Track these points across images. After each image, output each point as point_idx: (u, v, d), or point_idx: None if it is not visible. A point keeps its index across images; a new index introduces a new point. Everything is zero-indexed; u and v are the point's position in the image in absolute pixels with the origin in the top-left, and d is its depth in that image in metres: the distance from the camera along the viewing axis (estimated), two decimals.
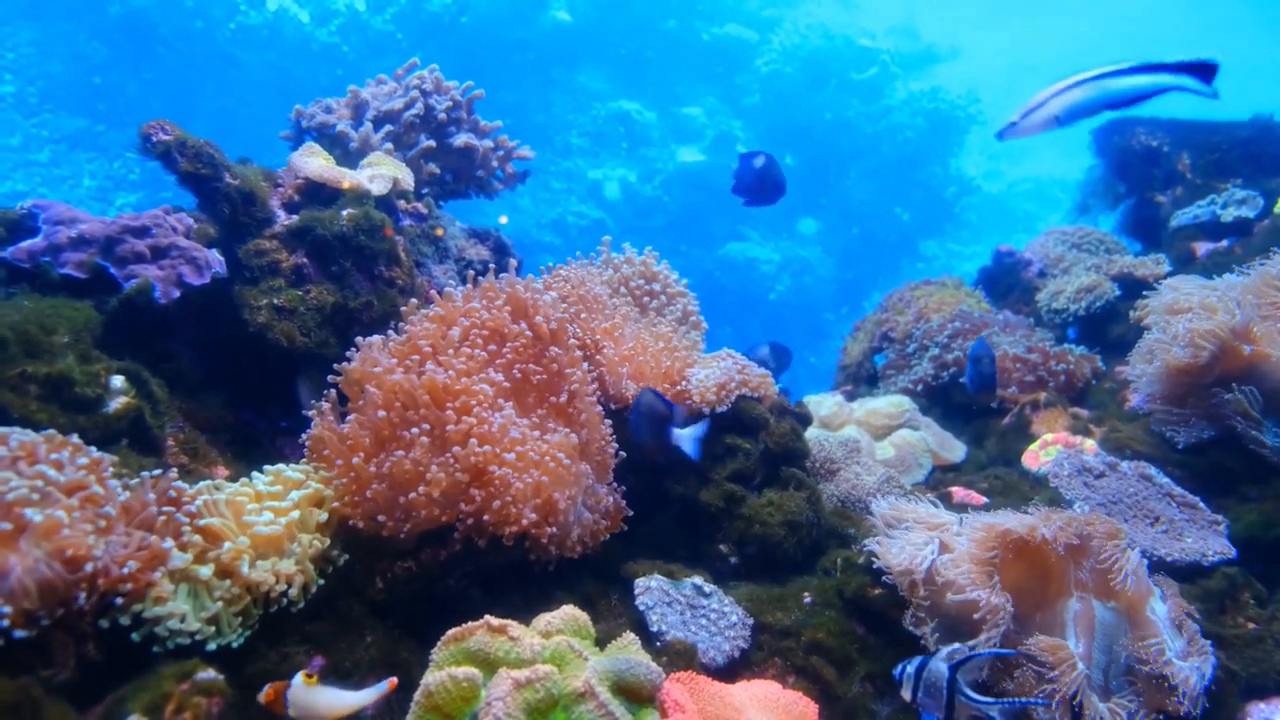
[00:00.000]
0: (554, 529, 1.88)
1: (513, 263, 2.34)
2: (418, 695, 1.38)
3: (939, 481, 2.96)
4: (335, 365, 2.07)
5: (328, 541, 1.82)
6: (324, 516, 1.84)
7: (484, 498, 1.80)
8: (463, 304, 2.16)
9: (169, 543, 1.56)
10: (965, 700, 1.52)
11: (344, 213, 2.49)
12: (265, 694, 1.47)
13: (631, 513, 2.19)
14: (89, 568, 1.40)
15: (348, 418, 1.99)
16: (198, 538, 1.63)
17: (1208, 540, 2.30)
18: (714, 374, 2.39)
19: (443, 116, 3.15)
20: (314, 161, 2.64)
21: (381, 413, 1.90)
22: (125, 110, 12.27)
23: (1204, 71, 1.31)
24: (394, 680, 1.48)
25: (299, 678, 1.48)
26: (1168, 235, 4.03)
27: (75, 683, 1.43)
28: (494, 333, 2.12)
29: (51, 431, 1.60)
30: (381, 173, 2.77)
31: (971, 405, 3.40)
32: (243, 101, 12.69)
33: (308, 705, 1.46)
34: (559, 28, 13.96)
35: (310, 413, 2.04)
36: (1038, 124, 1.47)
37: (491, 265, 3.04)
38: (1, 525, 1.35)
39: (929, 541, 1.89)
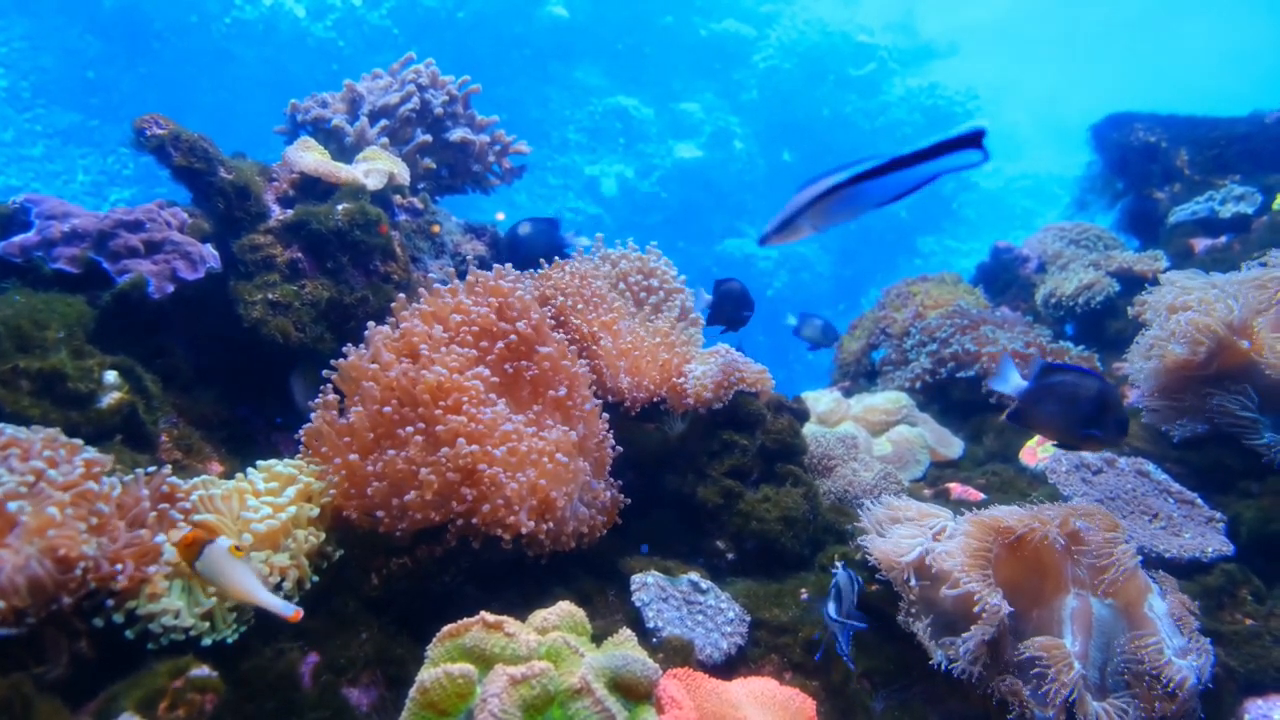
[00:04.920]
0: (550, 525, 1.87)
1: (501, 261, 2.32)
2: (413, 692, 1.37)
3: (937, 478, 2.96)
4: (331, 361, 2.06)
5: (323, 536, 1.81)
6: (315, 511, 1.83)
7: (475, 498, 1.79)
8: (452, 300, 2.14)
9: (162, 538, 1.54)
10: (826, 615, 1.73)
11: (339, 207, 2.48)
12: (185, 537, 1.47)
13: (629, 501, 2.18)
14: (81, 566, 1.39)
15: (345, 413, 1.98)
16: None
17: (1206, 536, 2.29)
18: (711, 370, 2.39)
19: (439, 111, 3.14)
20: (309, 156, 2.63)
21: (386, 409, 1.89)
22: (119, 105, 12.23)
23: (973, 140, 1.16)
24: (299, 612, 1.46)
25: (228, 542, 1.47)
26: (1166, 231, 4.03)
27: (68, 680, 1.42)
28: (484, 329, 2.11)
29: (48, 430, 1.59)
30: (377, 167, 2.75)
31: (970, 401, 3.40)
32: (238, 96, 12.66)
33: (218, 571, 1.45)
34: (556, 23, 13.94)
35: (312, 404, 2.02)
36: (798, 237, 1.35)
37: (470, 259, 3.03)
38: None
39: (921, 534, 1.89)
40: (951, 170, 1.18)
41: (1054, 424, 2.05)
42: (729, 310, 2.68)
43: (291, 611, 1.45)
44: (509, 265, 2.27)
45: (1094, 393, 2.00)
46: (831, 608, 1.71)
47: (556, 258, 2.62)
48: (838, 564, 1.79)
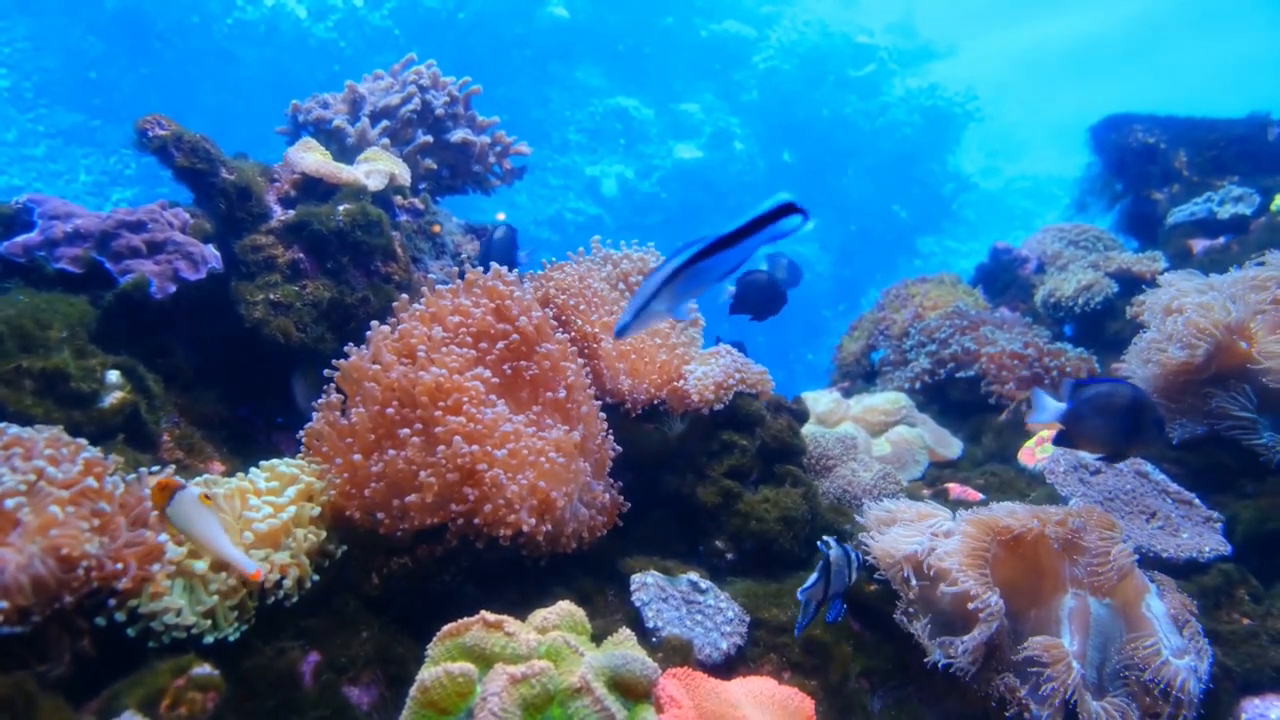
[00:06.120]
0: (549, 526, 1.88)
1: (494, 264, 2.32)
2: (413, 691, 1.38)
3: (935, 478, 2.96)
4: (333, 361, 2.07)
5: (323, 534, 1.82)
6: (316, 511, 1.84)
7: (477, 498, 1.79)
8: (451, 301, 2.15)
9: (164, 537, 1.55)
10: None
11: (340, 208, 2.49)
12: (159, 481, 1.50)
13: (629, 505, 2.19)
14: (83, 565, 1.40)
15: (347, 414, 1.99)
16: None
17: (1204, 536, 2.30)
18: (712, 371, 2.39)
19: (440, 112, 3.15)
20: (310, 157, 2.64)
21: (388, 410, 1.90)
22: (121, 105, 12.24)
23: (788, 210, 1.25)
24: (260, 570, 1.51)
25: (198, 490, 1.50)
26: (1165, 232, 4.04)
27: (70, 678, 1.43)
28: (481, 331, 2.11)
29: (51, 429, 1.60)
30: (378, 168, 2.76)
31: (969, 402, 3.41)
32: (239, 97, 12.67)
33: (185, 519, 1.48)
34: (556, 24, 13.94)
35: (315, 404, 2.03)
36: (653, 322, 1.44)
37: (470, 259, 3.04)
38: None
39: (920, 533, 1.90)
40: (776, 237, 1.29)
41: (1099, 438, 2.10)
42: (753, 299, 2.76)
43: (253, 569, 1.49)
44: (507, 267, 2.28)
45: (1129, 400, 2.06)
46: (811, 580, 1.73)
47: (554, 259, 2.63)
48: (828, 540, 1.79)
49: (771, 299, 2.81)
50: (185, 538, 1.53)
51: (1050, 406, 2.12)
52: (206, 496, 1.50)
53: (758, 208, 1.27)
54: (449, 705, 1.37)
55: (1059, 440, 2.16)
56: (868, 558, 1.96)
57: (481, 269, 2.25)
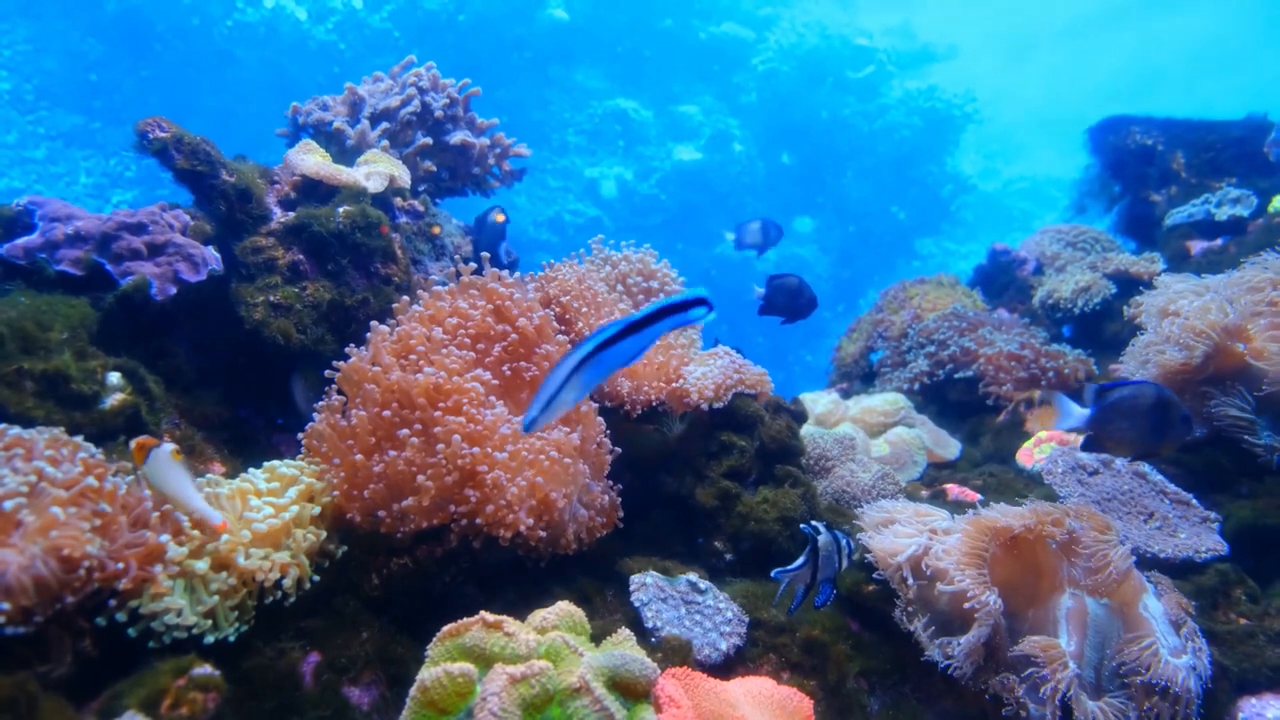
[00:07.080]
0: (544, 531, 1.88)
1: (485, 258, 2.33)
2: (413, 691, 1.39)
3: (934, 479, 2.97)
4: (333, 362, 2.07)
5: (323, 534, 1.82)
6: (317, 510, 1.84)
7: (479, 499, 1.80)
8: (449, 303, 2.16)
9: (165, 537, 1.56)
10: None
11: (340, 210, 2.49)
12: (138, 442, 1.56)
13: (624, 513, 2.19)
14: (85, 565, 1.41)
15: (347, 415, 1.99)
16: (195, 532, 1.63)
17: (1201, 537, 2.31)
18: (711, 372, 2.40)
19: (439, 114, 3.16)
20: (310, 159, 2.64)
21: (386, 412, 1.90)
22: (122, 107, 12.25)
23: (697, 302, 1.32)
24: (226, 523, 1.58)
25: (171, 446, 1.56)
26: (1163, 234, 4.05)
27: (72, 678, 1.44)
28: (481, 332, 2.12)
29: (52, 430, 1.60)
30: (378, 170, 2.77)
31: (967, 403, 3.41)
32: (239, 99, 12.68)
33: (159, 476, 1.55)
34: (556, 26, 13.95)
35: (316, 406, 2.04)
36: (564, 410, 1.47)
37: (459, 258, 3.05)
38: None
39: (918, 534, 1.91)
40: (681, 324, 1.35)
41: (1128, 439, 2.11)
42: (781, 302, 2.89)
43: (220, 520, 1.56)
44: (507, 271, 2.29)
45: (1154, 399, 2.07)
46: (797, 563, 1.74)
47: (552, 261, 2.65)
48: (816, 525, 1.78)
49: (802, 302, 2.88)
50: (158, 493, 1.57)
51: (1075, 413, 2.12)
52: (178, 451, 1.56)
53: (670, 298, 1.38)
54: (449, 705, 1.37)
55: (1086, 445, 2.16)
56: (866, 556, 1.96)
57: (474, 263, 2.26)
